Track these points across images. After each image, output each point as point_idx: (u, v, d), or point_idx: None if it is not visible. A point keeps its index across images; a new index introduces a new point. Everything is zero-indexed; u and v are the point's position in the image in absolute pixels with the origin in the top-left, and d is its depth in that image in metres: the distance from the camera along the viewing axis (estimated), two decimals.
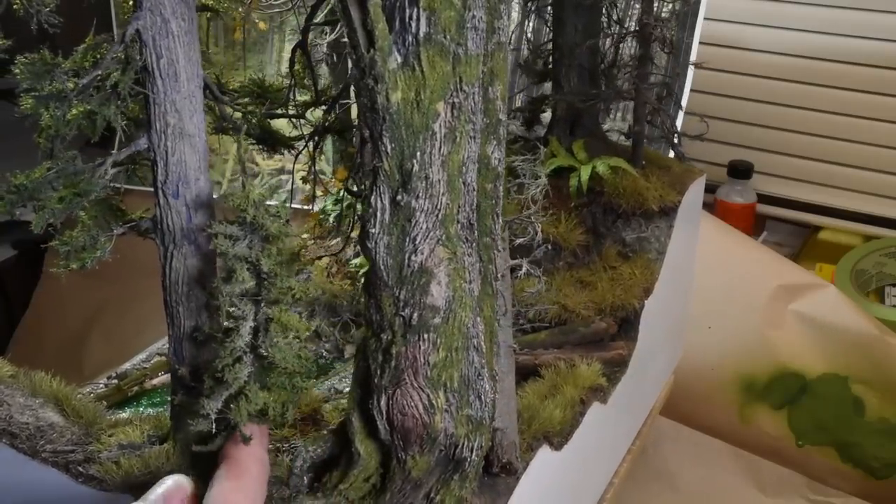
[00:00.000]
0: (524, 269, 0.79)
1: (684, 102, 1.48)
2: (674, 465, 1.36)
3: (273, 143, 0.74)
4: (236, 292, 0.53)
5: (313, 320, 0.99)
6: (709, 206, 1.74)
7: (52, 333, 1.68)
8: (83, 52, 0.54)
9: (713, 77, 1.76)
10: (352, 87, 0.59)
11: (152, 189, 0.57)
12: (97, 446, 0.66)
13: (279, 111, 0.75)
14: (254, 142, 0.74)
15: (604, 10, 1.00)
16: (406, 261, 0.56)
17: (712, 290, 1.34)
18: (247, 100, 0.74)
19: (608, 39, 1.01)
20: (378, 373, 0.60)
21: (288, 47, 1.58)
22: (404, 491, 0.62)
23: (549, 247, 0.91)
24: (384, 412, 0.60)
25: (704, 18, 1.51)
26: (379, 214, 0.56)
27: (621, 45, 1.01)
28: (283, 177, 1.57)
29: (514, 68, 1.25)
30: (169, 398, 0.91)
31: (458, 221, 0.58)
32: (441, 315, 0.58)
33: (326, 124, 0.77)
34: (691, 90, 1.51)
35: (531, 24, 1.49)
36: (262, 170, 1.68)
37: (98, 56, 0.53)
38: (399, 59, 0.53)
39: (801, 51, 1.76)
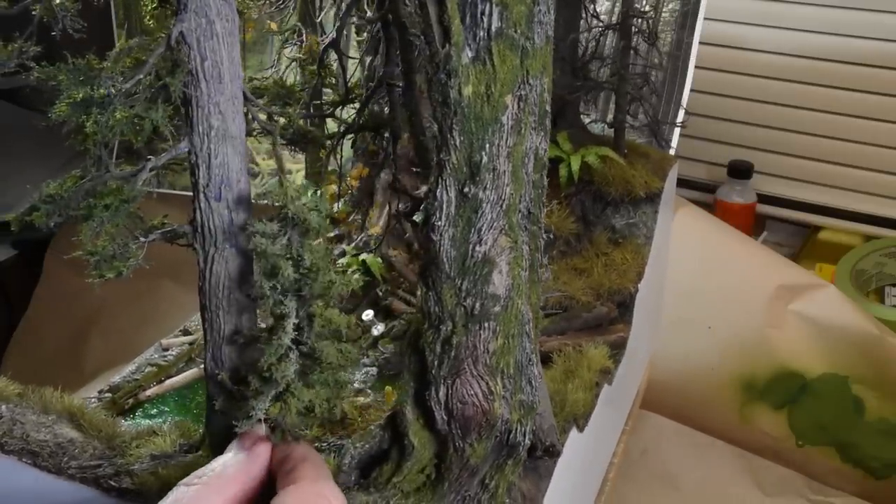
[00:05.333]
0: None
1: (684, 101, 1.47)
2: (674, 465, 1.36)
3: (306, 143, 0.74)
4: (280, 289, 0.53)
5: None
6: (709, 206, 1.74)
7: (52, 333, 1.67)
8: (116, 56, 0.53)
9: (713, 77, 1.76)
10: (385, 84, 0.59)
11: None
12: (126, 459, 0.65)
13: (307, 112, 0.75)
14: (285, 143, 0.73)
15: (583, 5, 1.03)
16: (470, 251, 0.58)
17: (712, 290, 1.34)
18: (266, 100, 0.73)
19: (590, 32, 1.04)
20: (436, 364, 0.60)
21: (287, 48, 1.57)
22: (461, 479, 0.63)
23: (552, 236, 0.93)
24: (443, 402, 0.61)
25: (704, 18, 1.51)
26: (445, 207, 0.57)
27: (603, 38, 1.04)
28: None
29: None
30: (166, 408, 0.90)
31: (519, 211, 0.59)
32: (501, 303, 0.59)
33: (361, 122, 0.77)
34: (691, 90, 1.51)
35: None
36: (262, 170, 1.68)
37: (132, 60, 0.52)
38: (470, 54, 0.54)
39: (801, 51, 1.76)
